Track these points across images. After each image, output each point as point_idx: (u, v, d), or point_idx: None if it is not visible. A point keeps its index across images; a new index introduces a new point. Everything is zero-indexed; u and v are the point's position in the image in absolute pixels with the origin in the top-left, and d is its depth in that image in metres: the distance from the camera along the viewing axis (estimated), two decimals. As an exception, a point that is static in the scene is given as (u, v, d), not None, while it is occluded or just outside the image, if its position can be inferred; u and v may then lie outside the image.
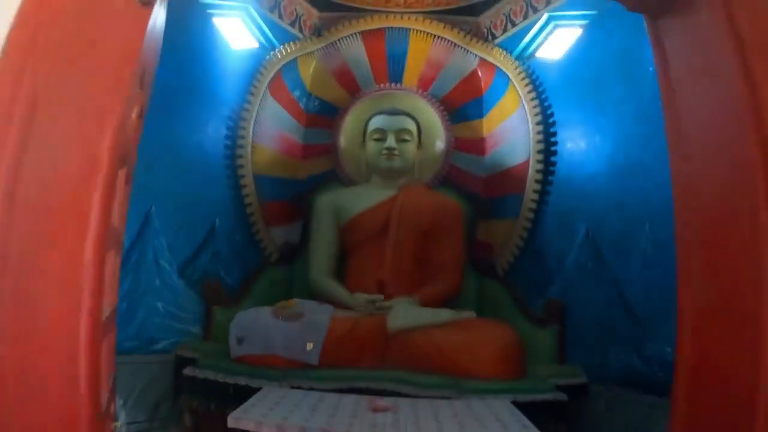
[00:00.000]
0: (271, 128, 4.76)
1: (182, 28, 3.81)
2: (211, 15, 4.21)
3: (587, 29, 4.19)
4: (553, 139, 4.46)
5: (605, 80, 4.00)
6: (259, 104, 4.58)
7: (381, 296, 4.06)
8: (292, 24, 4.84)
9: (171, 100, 3.73)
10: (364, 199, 4.70)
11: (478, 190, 5.02)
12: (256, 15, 4.48)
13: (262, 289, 4.48)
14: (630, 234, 3.65)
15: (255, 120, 4.57)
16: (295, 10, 4.85)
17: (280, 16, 4.73)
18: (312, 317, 3.63)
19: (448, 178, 5.05)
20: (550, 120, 4.48)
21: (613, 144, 3.93)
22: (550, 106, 4.50)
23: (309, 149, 5.06)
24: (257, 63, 4.59)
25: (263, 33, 4.60)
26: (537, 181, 4.50)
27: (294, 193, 4.92)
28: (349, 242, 4.66)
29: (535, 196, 4.51)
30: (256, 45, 4.60)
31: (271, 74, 4.64)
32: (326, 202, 4.75)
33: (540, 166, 4.49)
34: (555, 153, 4.45)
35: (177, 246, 3.94)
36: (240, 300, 4.22)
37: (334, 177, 5.05)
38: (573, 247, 4.12)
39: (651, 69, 3.48)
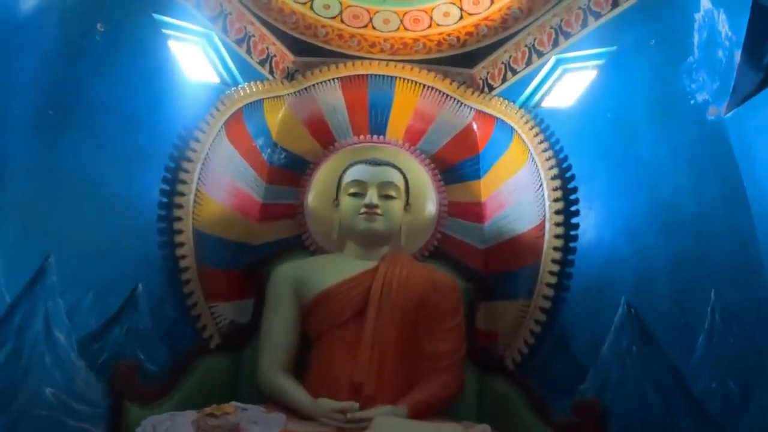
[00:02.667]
0: (224, 178, 3.97)
1: (129, 44, 3.26)
2: (167, 36, 3.60)
3: (604, 68, 3.75)
4: (573, 197, 3.80)
5: (632, 122, 3.46)
6: (211, 146, 3.80)
7: (355, 404, 3.19)
8: (262, 63, 4.27)
9: (99, 121, 3.06)
10: (334, 271, 3.83)
11: (477, 264, 4.28)
12: (220, 45, 3.91)
13: (196, 383, 3.48)
14: (688, 305, 2.91)
15: (203, 164, 3.76)
16: (267, 49, 4.31)
17: (249, 52, 4.15)
18: (252, 432, 2.66)
19: (440, 249, 4.32)
20: (568, 174, 3.87)
21: (651, 195, 3.29)
22: (566, 158, 3.91)
23: (269, 209, 4.28)
24: (214, 98, 3.91)
25: (226, 67, 3.99)
26: (556, 249, 3.77)
27: (246, 262, 4.07)
28: (315, 328, 3.73)
29: (555, 268, 3.75)
30: (216, 80, 3.97)
31: (230, 113, 3.93)
32: (286, 274, 3.87)
33: (559, 231, 3.78)
34: (577, 213, 3.77)
35: (80, 312, 2.93)
36: (163, 395, 3.24)
37: (298, 245, 4.24)
38: (610, 328, 3.32)
39: (692, 102, 3.04)
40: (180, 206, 3.64)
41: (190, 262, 3.67)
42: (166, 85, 3.56)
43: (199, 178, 3.75)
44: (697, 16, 3.03)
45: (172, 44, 3.59)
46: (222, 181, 3.96)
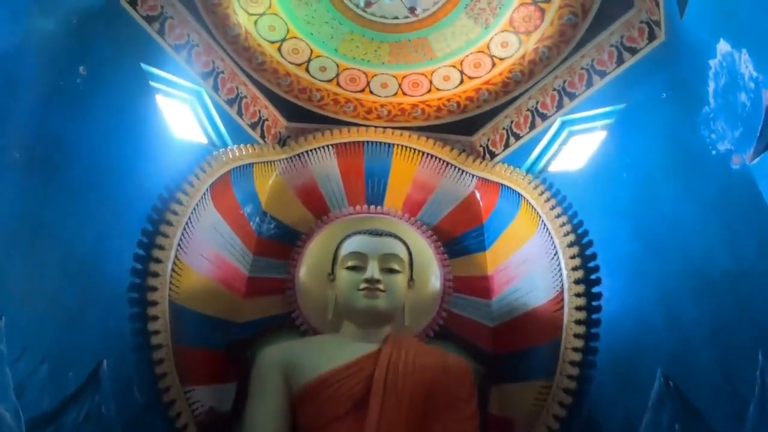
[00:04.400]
0: (207, 246, 3.70)
1: (112, 91, 3.09)
2: (155, 89, 3.48)
3: (614, 127, 3.66)
4: (592, 264, 3.57)
5: (651, 180, 3.31)
6: (195, 210, 3.56)
7: None
8: (253, 126, 4.15)
9: (72, 170, 2.81)
10: (330, 354, 3.47)
11: (487, 343, 3.97)
12: (210, 103, 3.80)
13: (166, 482, 3.02)
14: (734, 371, 2.61)
15: (185, 229, 3.50)
16: (259, 112, 4.22)
17: (240, 114, 4.05)
18: None
19: (446, 328, 4.01)
20: (585, 240, 3.66)
21: (680, 255, 3.06)
22: (581, 223, 3.72)
23: (256, 283, 4.00)
24: (201, 159, 3.73)
25: (215, 127, 3.86)
26: (578, 323, 3.48)
27: (228, 341, 3.73)
28: (307, 422, 3.31)
29: (578, 343, 3.44)
30: (203, 140, 3.82)
31: (217, 175, 3.73)
32: (274, 357, 3.50)
33: (580, 302, 3.51)
34: (598, 281, 3.52)
35: (32, 388, 2.52)
36: (127, 495, 2.75)
37: (288, 324, 3.92)
38: (646, 405, 2.98)
39: (714, 152, 2.91)
40: (156, 275, 3.31)
41: (164, 339, 3.29)
42: (149, 139, 3.37)
43: (179, 245, 3.46)
44: (713, 62, 2.97)
45: (159, 98, 3.46)
46: (205, 249, 3.68)
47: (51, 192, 2.70)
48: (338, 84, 4.22)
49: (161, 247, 3.35)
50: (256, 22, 3.82)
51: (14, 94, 2.50)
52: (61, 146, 2.75)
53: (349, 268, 3.69)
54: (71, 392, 2.74)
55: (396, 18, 3.83)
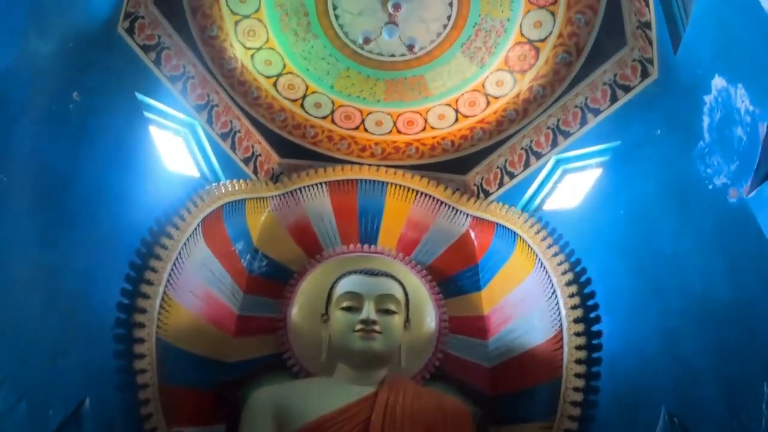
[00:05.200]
0: (196, 282, 3.60)
1: (106, 119, 3.05)
2: (149, 120, 3.45)
3: (609, 164, 3.68)
4: (591, 302, 3.52)
5: (648, 216, 3.31)
6: (185, 245, 3.48)
7: None
8: (246, 161, 4.13)
9: (59, 197, 2.73)
10: (324, 398, 3.35)
11: (484, 385, 3.88)
12: (203, 137, 3.79)
13: None
14: (740, 404, 2.55)
15: (174, 265, 3.41)
16: (252, 147, 4.20)
17: (233, 148, 4.03)
18: None
19: (442, 369, 3.90)
20: (583, 278, 3.61)
21: (680, 289, 3.04)
22: (579, 261, 3.68)
23: (246, 322, 3.89)
24: (192, 192, 3.67)
25: (208, 161, 3.83)
26: (578, 362, 3.41)
27: (217, 382, 3.60)
28: (300, 467, 3.17)
29: (579, 383, 3.37)
30: (196, 173, 3.78)
31: (209, 210, 3.67)
32: (265, 399, 3.36)
33: (580, 341, 3.45)
34: (598, 320, 3.47)
35: (9, 426, 2.38)
36: None
37: (279, 365, 3.79)
38: (652, 444, 2.90)
39: (710, 186, 2.92)
40: (143, 311, 3.21)
41: (150, 378, 3.16)
42: (141, 170, 3.31)
43: (168, 281, 3.37)
44: (707, 97, 3.01)
45: (153, 129, 3.42)
46: (194, 286, 3.58)
47: (38, 219, 2.61)
48: (333, 121, 4.25)
49: (150, 282, 3.26)
50: (252, 56, 3.86)
51: (6, 116, 2.44)
52: (50, 172, 2.69)
53: (344, 309, 3.60)
54: (52, 431, 2.60)
55: (393, 56, 3.89)
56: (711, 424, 2.69)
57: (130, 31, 3.21)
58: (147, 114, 3.40)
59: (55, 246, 2.72)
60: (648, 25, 3.25)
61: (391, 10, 3.60)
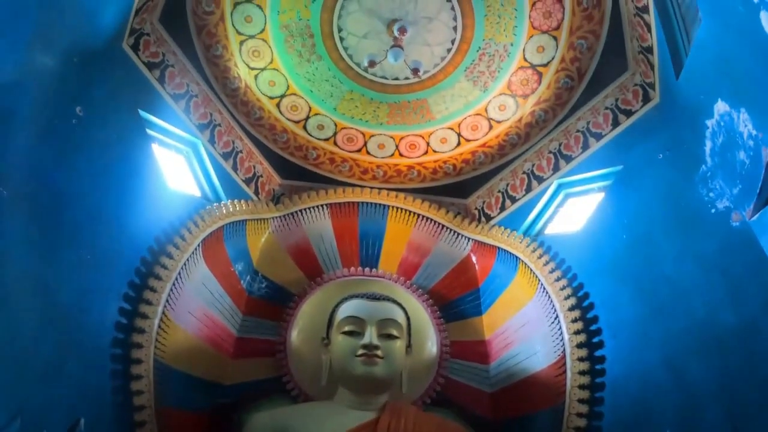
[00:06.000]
0: (196, 303, 3.55)
1: (108, 135, 3.03)
2: (151, 138, 3.44)
3: (612, 189, 3.67)
4: (594, 327, 3.48)
5: (651, 240, 3.29)
6: (184, 266, 3.43)
7: None
8: (247, 182, 4.12)
9: (59, 214, 2.69)
10: (325, 423, 3.27)
11: (485, 410, 3.81)
12: (205, 156, 3.78)
13: None
14: (745, 429, 2.51)
15: (174, 285, 3.36)
16: (254, 167, 4.19)
17: (235, 168, 4.02)
18: None
19: (443, 394, 3.84)
20: (586, 303, 3.58)
21: (684, 314, 3.00)
22: (581, 286, 3.65)
23: (245, 344, 3.83)
24: (193, 212, 3.64)
25: (209, 181, 3.81)
26: (582, 387, 3.35)
27: (214, 404, 3.52)
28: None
29: (583, 409, 3.31)
30: (197, 192, 3.76)
31: (210, 230, 3.63)
32: (264, 423, 3.29)
33: (584, 366, 3.39)
34: (601, 345, 3.42)
35: (0, 447, 2.34)
36: None
37: (278, 389, 3.72)
38: (657, 470, 2.84)
39: (713, 210, 2.91)
40: (141, 331, 3.15)
41: (147, 400, 3.09)
42: (142, 188, 3.29)
43: (167, 301, 3.31)
44: (710, 122, 3.01)
45: (155, 147, 3.41)
46: (193, 306, 3.53)
47: (35, 234, 2.56)
48: (335, 143, 4.25)
49: (148, 302, 3.21)
50: (256, 77, 3.88)
51: (7, 130, 2.42)
52: (50, 187, 2.66)
53: (345, 333, 3.53)
54: (44, 453, 2.53)
55: (396, 79, 3.91)
56: (717, 448, 2.66)
57: (134, 47, 3.22)
58: (149, 131, 3.39)
59: (53, 262, 2.68)
60: (650, 49, 3.27)
61: (396, 33, 3.63)
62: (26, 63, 2.42)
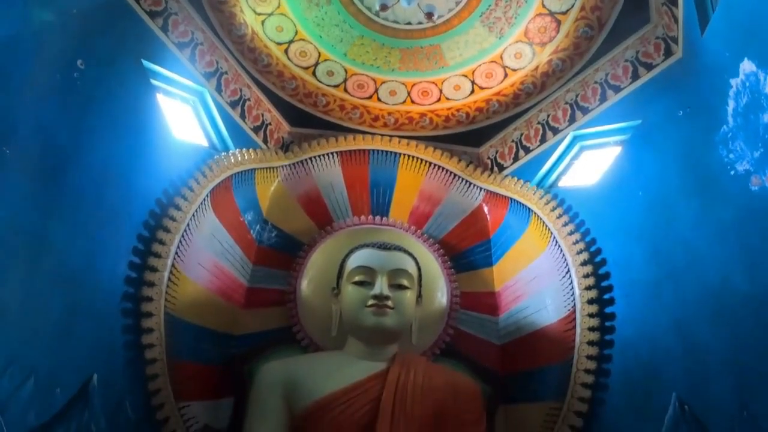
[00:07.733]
0: (205, 255, 3.52)
1: (111, 88, 2.92)
2: (156, 88, 3.31)
3: (629, 143, 3.55)
4: (605, 283, 3.44)
5: (668, 200, 3.19)
6: (194, 216, 3.39)
7: None
8: (256, 130, 4.01)
9: (63, 171, 2.62)
10: (335, 374, 3.30)
11: (494, 362, 3.84)
12: (212, 105, 3.66)
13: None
14: (752, 397, 2.49)
15: (183, 237, 3.32)
16: (262, 115, 4.07)
17: (243, 117, 3.90)
18: None
19: (452, 346, 3.86)
20: (598, 259, 3.53)
21: (697, 278, 2.94)
22: (594, 241, 3.60)
23: (255, 294, 3.83)
24: (201, 162, 3.56)
25: (217, 130, 3.71)
26: (591, 344, 3.35)
27: (225, 355, 3.55)
28: (311, 442, 3.14)
29: (591, 365, 3.32)
30: (204, 142, 3.67)
31: (218, 180, 3.57)
32: (275, 374, 3.32)
33: (593, 322, 3.37)
34: (612, 302, 3.39)
35: (17, 403, 2.34)
36: None
37: (288, 339, 3.74)
38: (661, 430, 2.86)
39: (732, 172, 2.79)
40: (151, 284, 3.13)
41: (158, 353, 3.10)
42: (148, 140, 3.19)
43: (176, 253, 3.27)
44: (734, 81, 2.86)
45: (160, 97, 3.29)
46: (203, 258, 3.50)
47: (42, 194, 2.52)
48: (345, 90, 4.09)
49: (158, 255, 3.18)
50: (263, 23, 3.68)
51: (7, 87, 2.32)
52: (54, 144, 2.58)
53: (356, 283, 3.52)
54: (59, 409, 2.57)
55: (409, 23, 3.71)
56: (722, 415, 2.64)
57: (136, -5, 3.06)
58: (154, 82, 3.26)
59: (60, 220, 2.62)
60: (674, 2, 3.07)
61: (409, -25, 3.42)
62: (24, 19, 2.32)
